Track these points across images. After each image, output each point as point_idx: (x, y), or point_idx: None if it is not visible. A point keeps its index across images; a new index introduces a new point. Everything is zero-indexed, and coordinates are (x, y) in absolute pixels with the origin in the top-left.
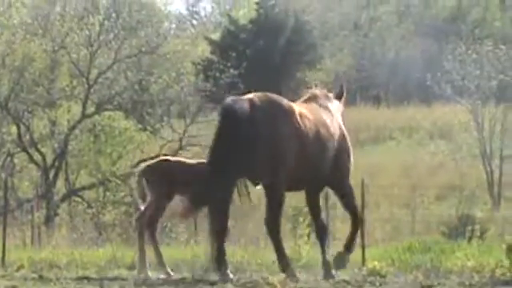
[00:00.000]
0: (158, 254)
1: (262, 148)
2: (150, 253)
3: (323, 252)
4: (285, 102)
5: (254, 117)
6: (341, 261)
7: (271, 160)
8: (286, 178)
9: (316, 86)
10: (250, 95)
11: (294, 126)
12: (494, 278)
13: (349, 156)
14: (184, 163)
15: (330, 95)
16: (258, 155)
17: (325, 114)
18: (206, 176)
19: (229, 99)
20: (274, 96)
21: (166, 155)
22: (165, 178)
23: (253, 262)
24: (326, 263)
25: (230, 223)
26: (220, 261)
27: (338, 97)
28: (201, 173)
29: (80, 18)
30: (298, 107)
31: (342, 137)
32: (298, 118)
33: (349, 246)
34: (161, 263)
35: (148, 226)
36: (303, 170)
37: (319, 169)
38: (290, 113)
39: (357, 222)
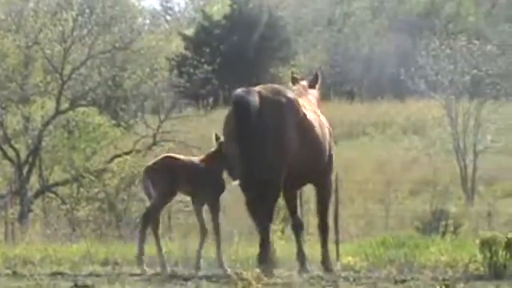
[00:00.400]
0: (160, 250)
1: (272, 141)
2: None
3: (299, 246)
4: (293, 95)
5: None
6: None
7: (277, 154)
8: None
9: (295, 77)
10: (257, 87)
11: (301, 119)
12: (467, 273)
13: (333, 150)
14: (187, 161)
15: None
16: (267, 148)
17: (314, 106)
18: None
19: (240, 91)
20: (282, 88)
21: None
22: (167, 176)
23: (227, 258)
24: (301, 258)
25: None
26: (265, 258)
27: (313, 85)
28: (202, 170)
29: (53, 14)
30: (301, 100)
31: (329, 130)
32: (304, 110)
33: (324, 254)
34: (161, 259)
35: (151, 222)
36: (306, 164)
37: (319, 163)
38: (297, 106)
39: (323, 226)
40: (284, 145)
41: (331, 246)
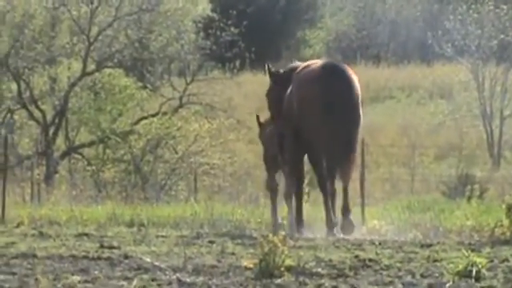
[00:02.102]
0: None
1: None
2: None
3: (329, 210)
4: None
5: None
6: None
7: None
8: None
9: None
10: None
11: None
12: (493, 238)
13: None
14: None
15: None
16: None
17: None
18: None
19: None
20: None
21: None
22: None
23: (252, 221)
24: (329, 223)
25: (230, 183)
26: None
27: None
28: None
29: None
30: None
31: None
32: None
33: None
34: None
35: None
36: None
37: None
38: None
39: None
40: None
41: (357, 210)
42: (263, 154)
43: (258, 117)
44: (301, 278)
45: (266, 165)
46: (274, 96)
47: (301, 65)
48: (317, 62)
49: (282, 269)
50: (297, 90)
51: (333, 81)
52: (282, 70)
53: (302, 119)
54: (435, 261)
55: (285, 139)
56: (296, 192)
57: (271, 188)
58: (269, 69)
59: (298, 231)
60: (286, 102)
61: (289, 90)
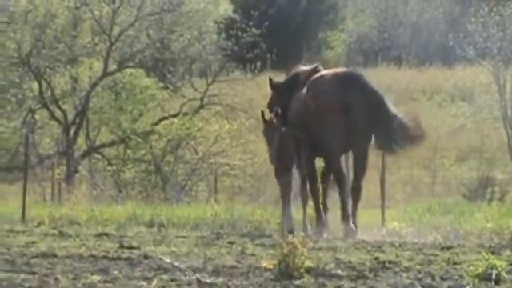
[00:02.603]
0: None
1: None
2: None
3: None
4: None
5: None
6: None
7: None
8: None
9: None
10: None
11: None
12: None
13: None
14: None
15: None
16: None
17: None
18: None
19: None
20: None
21: None
22: None
23: (272, 221)
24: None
25: (250, 183)
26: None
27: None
28: None
29: None
30: None
31: None
32: None
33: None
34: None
35: None
36: None
37: None
38: None
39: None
40: None
41: (377, 212)
42: (271, 152)
43: (262, 113)
44: (320, 280)
45: (279, 164)
46: (276, 106)
47: (304, 70)
48: (330, 72)
49: (302, 270)
50: (315, 98)
51: (351, 87)
52: (282, 80)
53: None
54: (455, 263)
55: (299, 143)
56: (313, 193)
57: (284, 186)
58: (270, 80)
59: (318, 232)
60: (300, 108)
61: (303, 96)
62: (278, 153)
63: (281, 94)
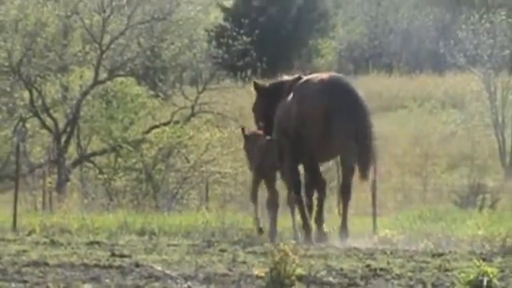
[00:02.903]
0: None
1: None
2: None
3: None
4: None
5: None
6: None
7: None
8: None
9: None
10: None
11: None
12: (504, 247)
13: None
14: None
15: None
16: None
17: None
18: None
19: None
20: None
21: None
22: None
23: (264, 229)
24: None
25: (241, 191)
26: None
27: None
28: None
29: None
30: None
31: None
32: None
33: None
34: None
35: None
36: None
37: None
38: None
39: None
40: None
41: (368, 219)
42: (251, 165)
43: (243, 129)
44: (312, 287)
45: (257, 176)
46: (261, 109)
47: (288, 79)
48: (318, 76)
49: (293, 278)
50: (298, 103)
51: (337, 94)
52: (267, 84)
53: (303, 130)
54: (446, 270)
55: (283, 149)
56: (298, 201)
57: (271, 198)
58: (255, 83)
59: (308, 240)
60: (284, 114)
61: (287, 103)
62: (262, 162)
63: (265, 97)
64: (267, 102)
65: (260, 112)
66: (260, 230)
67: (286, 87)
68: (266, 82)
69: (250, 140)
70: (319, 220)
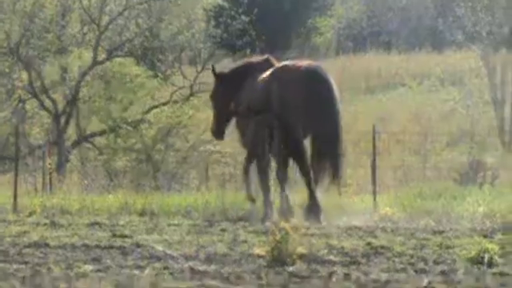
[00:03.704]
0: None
1: None
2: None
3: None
4: None
5: None
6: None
7: None
8: None
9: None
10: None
11: None
12: (505, 224)
13: None
14: None
15: None
16: None
17: None
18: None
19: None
20: None
21: None
22: None
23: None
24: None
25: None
26: None
27: None
28: None
29: None
30: None
31: None
32: None
33: None
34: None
35: None
36: None
37: None
38: None
39: None
40: None
41: (369, 197)
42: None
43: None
44: (313, 266)
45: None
46: (219, 96)
47: (257, 60)
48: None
49: (294, 256)
50: (279, 89)
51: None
52: (226, 70)
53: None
54: (447, 247)
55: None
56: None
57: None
58: (213, 69)
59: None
60: (261, 95)
61: (261, 84)
62: (254, 140)
63: (225, 83)
64: (228, 89)
65: (219, 99)
66: (252, 199)
67: (253, 68)
68: (225, 69)
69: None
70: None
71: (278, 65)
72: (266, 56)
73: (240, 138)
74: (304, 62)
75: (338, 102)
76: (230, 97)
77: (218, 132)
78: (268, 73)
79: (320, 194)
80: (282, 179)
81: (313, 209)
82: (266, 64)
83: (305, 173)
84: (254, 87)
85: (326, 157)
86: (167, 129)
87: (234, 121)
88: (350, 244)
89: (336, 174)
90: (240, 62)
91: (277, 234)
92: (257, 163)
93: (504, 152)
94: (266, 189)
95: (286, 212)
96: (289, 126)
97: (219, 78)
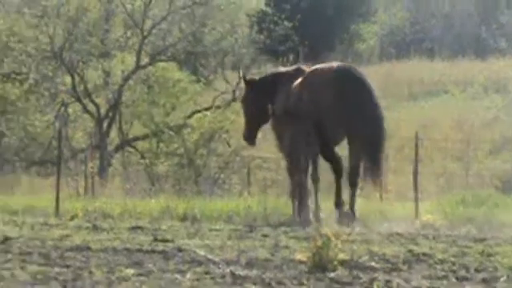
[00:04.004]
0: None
1: None
2: None
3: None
4: None
5: None
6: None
7: None
8: None
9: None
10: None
11: None
12: None
13: None
14: None
15: None
16: None
17: None
18: None
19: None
20: None
21: None
22: None
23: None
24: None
25: (283, 176)
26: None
27: None
28: None
29: None
30: None
31: None
32: None
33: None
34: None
35: None
36: None
37: None
38: None
39: None
40: None
41: (410, 204)
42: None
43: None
44: (354, 272)
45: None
46: (251, 102)
47: (287, 69)
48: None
49: (336, 262)
50: (311, 93)
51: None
52: (257, 77)
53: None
54: (489, 255)
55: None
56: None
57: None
58: (244, 76)
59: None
60: (293, 102)
61: (293, 91)
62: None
63: (256, 90)
64: (259, 94)
65: (249, 105)
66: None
67: (283, 76)
68: (255, 76)
69: (278, 120)
70: (338, 201)
71: (309, 69)
72: (296, 65)
73: (277, 142)
74: (335, 64)
75: (375, 98)
76: (261, 103)
77: (250, 137)
78: (301, 78)
79: (356, 198)
80: (315, 181)
81: (347, 215)
82: (297, 72)
83: (339, 177)
84: (288, 93)
85: (366, 158)
86: (209, 134)
87: (269, 125)
88: (392, 250)
89: (376, 176)
90: (270, 71)
91: (318, 239)
92: (295, 168)
93: None
94: (305, 193)
95: (318, 215)
96: (323, 129)
97: (249, 84)
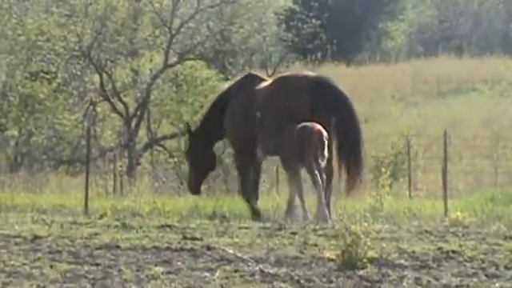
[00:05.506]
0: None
1: None
2: None
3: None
4: None
5: None
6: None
7: None
8: None
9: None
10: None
11: None
12: None
13: None
14: None
15: None
16: None
17: None
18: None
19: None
20: None
21: None
22: None
23: (334, 212)
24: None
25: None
26: None
27: None
28: None
29: None
30: None
31: None
32: None
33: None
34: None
35: None
36: None
37: None
38: None
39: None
40: None
41: (440, 202)
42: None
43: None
44: (383, 270)
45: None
46: (194, 151)
47: (228, 85)
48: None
49: (365, 260)
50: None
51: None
52: (198, 122)
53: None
54: None
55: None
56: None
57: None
58: (187, 126)
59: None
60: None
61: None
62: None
63: (199, 135)
64: (206, 135)
65: (198, 152)
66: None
67: (234, 88)
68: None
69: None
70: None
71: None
72: (246, 73)
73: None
74: (306, 72)
75: (349, 101)
76: (206, 150)
77: (196, 187)
78: (268, 84)
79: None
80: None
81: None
82: (248, 79)
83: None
84: (247, 98)
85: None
86: None
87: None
88: (421, 248)
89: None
90: (206, 105)
91: (347, 237)
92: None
93: None
94: (300, 188)
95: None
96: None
97: (191, 134)
